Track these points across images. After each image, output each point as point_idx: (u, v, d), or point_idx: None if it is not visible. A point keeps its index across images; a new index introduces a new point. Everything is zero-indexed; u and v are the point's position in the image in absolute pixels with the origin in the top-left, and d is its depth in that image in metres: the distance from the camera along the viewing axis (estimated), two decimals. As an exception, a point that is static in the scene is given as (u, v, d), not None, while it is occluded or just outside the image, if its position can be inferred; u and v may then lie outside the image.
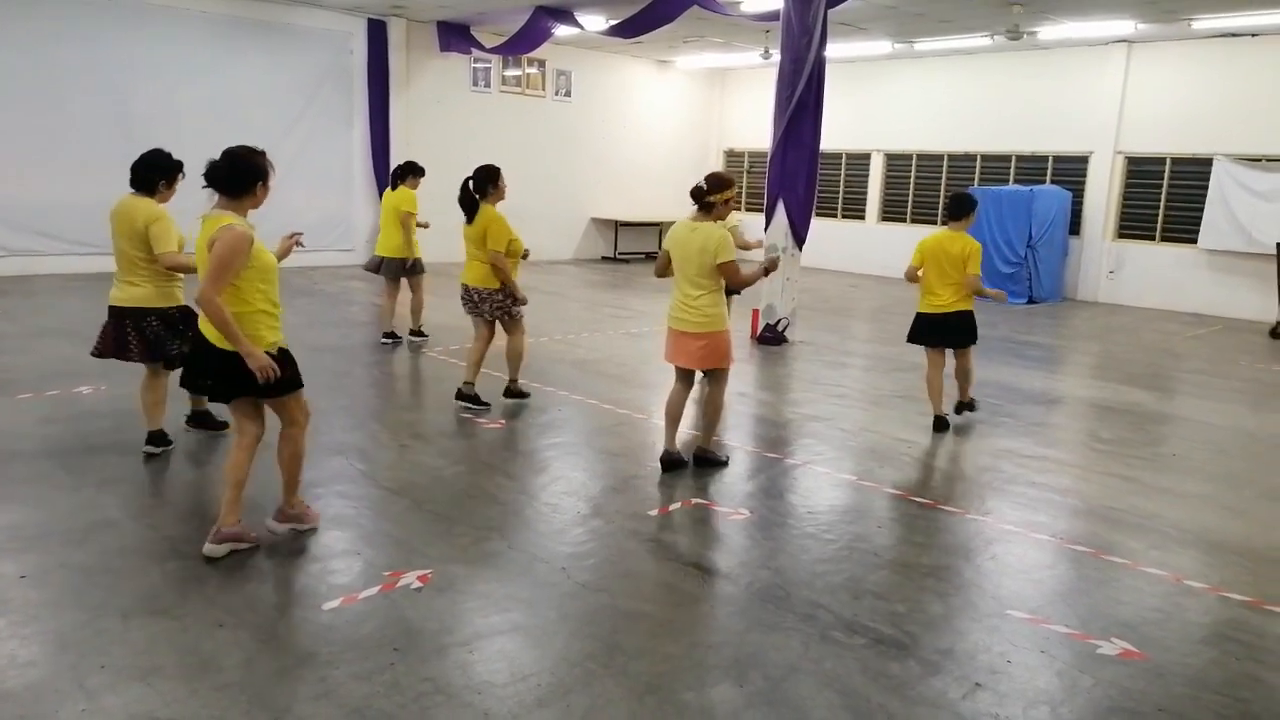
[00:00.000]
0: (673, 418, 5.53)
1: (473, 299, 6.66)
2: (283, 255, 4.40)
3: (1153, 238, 14.62)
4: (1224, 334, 12.25)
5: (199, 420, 5.81)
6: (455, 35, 15.41)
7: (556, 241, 18.06)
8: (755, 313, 10.14)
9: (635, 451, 5.95)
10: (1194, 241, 14.03)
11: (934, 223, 6.58)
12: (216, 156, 3.93)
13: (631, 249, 18.86)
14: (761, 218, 10.48)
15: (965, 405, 6.99)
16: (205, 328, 3.92)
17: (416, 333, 9.20)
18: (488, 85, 16.69)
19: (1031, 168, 15.74)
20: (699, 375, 5.65)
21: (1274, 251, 12.61)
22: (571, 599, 3.83)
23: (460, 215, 6.57)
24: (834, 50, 11.94)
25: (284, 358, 4.05)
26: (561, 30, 13.97)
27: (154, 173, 5.09)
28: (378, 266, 9.06)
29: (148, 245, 5.02)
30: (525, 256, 6.71)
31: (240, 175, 3.89)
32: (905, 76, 16.98)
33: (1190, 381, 9.14)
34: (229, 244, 3.74)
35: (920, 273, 6.62)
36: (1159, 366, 9.79)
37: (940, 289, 6.55)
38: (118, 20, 12.58)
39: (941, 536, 4.74)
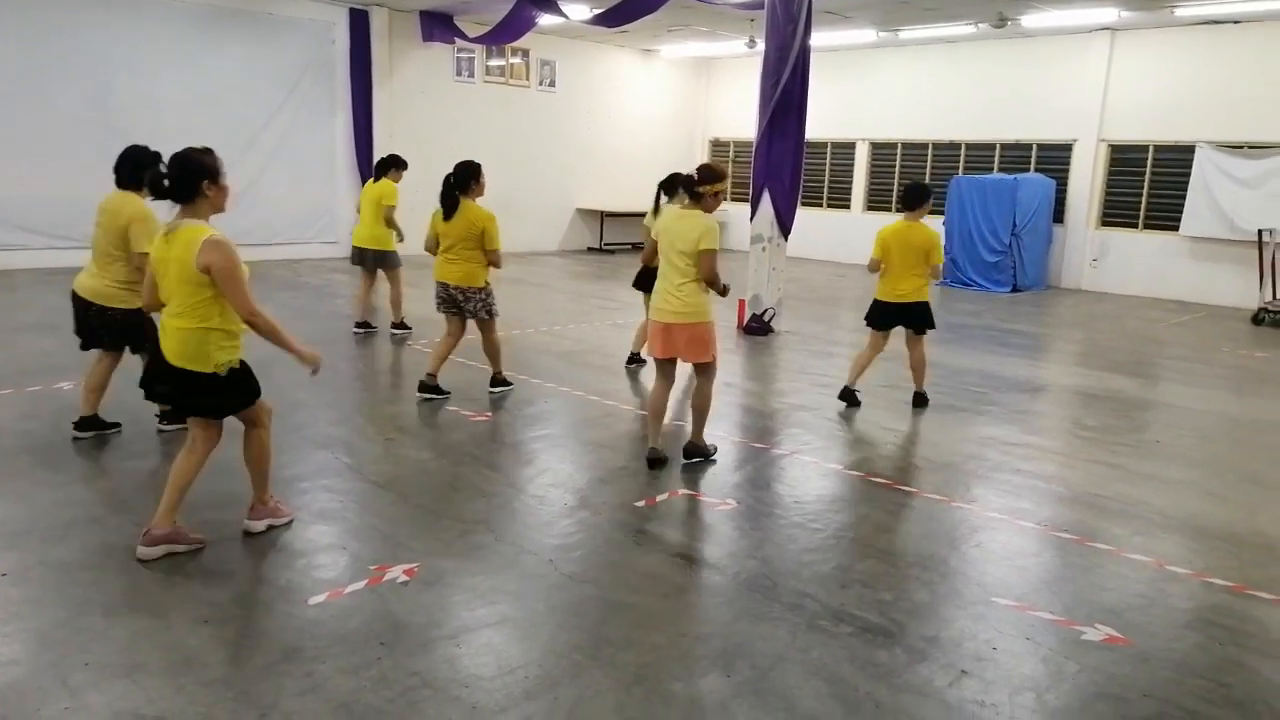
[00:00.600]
0: (656, 414, 5.50)
1: (454, 298, 6.56)
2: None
3: (1136, 225, 14.70)
4: (1206, 320, 12.34)
5: (172, 417, 5.77)
6: (438, 25, 15.30)
7: (541, 233, 18.01)
8: (741, 303, 10.13)
9: (622, 443, 5.95)
10: (1176, 229, 14.11)
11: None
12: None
13: (617, 240, 18.82)
14: (747, 208, 10.47)
15: (922, 397, 7.07)
16: (165, 344, 3.85)
17: (400, 325, 9.16)
18: (471, 75, 16.60)
19: (1016, 156, 15.78)
20: (687, 370, 5.63)
21: (1255, 238, 12.70)
22: (559, 591, 3.82)
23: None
24: (819, 39, 11.91)
25: (241, 373, 3.96)
26: (545, 19, 13.89)
27: (138, 169, 5.07)
28: (360, 259, 9.05)
29: (125, 242, 5.04)
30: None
31: (183, 177, 3.73)
32: (890, 65, 16.98)
33: (1173, 368, 9.20)
34: (225, 255, 3.67)
35: (883, 264, 6.71)
36: (1142, 353, 9.85)
37: (903, 279, 6.66)
38: (97, 11, 12.42)
39: (927, 524, 4.76)
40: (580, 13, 13.34)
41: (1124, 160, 14.71)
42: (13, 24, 11.81)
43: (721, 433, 6.16)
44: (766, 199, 9.99)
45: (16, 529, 4.20)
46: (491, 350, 6.86)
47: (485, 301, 6.61)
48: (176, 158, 3.76)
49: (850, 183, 18.04)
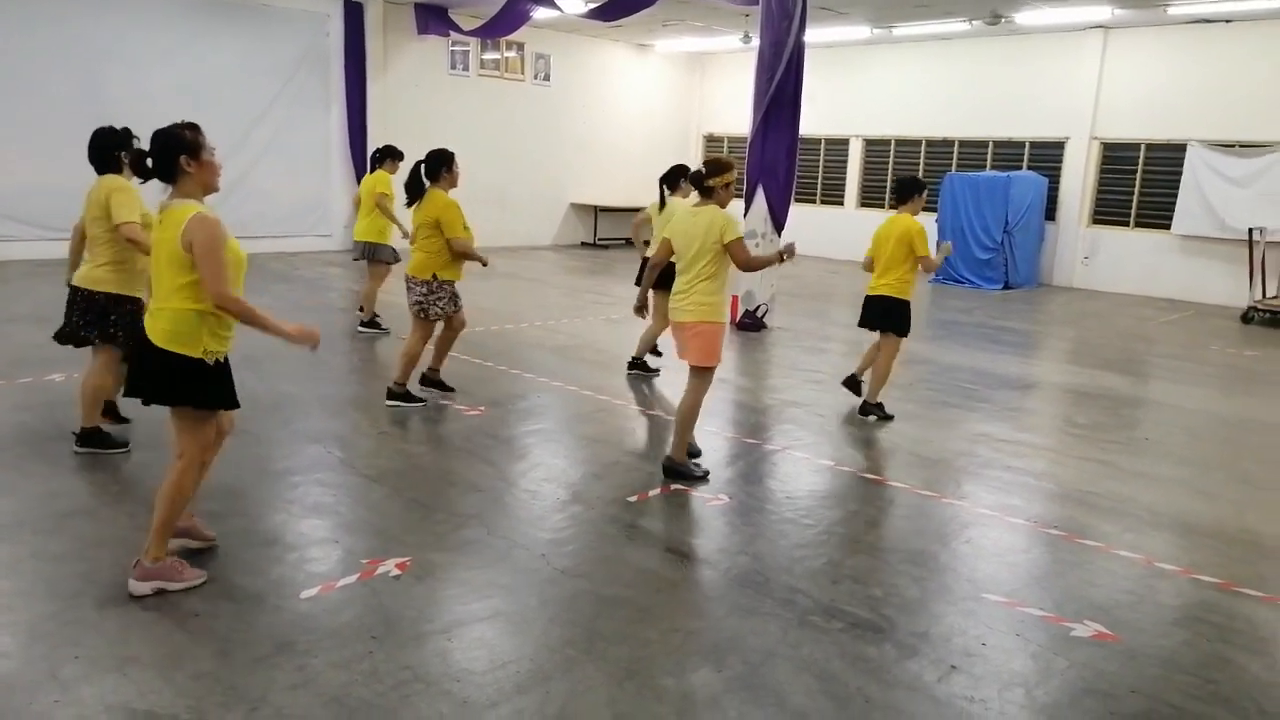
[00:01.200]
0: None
1: (412, 290, 6.28)
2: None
3: (1127, 223, 14.75)
4: (1196, 319, 12.39)
5: None
6: (433, 18, 15.26)
7: (535, 227, 17.99)
8: (735, 299, 10.14)
9: (615, 437, 5.95)
10: (1168, 227, 14.17)
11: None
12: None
13: (611, 234, 18.80)
14: (741, 204, 10.47)
15: (871, 408, 6.63)
16: (154, 327, 3.58)
17: (370, 324, 8.87)
18: (466, 69, 16.56)
19: (1008, 153, 15.82)
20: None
21: (1246, 237, 12.75)
22: (551, 585, 3.83)
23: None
24: (813, 35, 11.91)
25: (219, 371, 3.64)
26: (540, 13, 13.87)
27: (107, 151, 4.95)
28: (361, 253, 8.97)
29: (109, 219, 4.84)
30: (484, 264, 6.38)
31: (160, 153, 3.53)
32: (884, 62, 16.99)
33: (1163, 366, 9.24)
34: (207, 233, 3.44)
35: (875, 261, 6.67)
36: (1133, 351, 9.89)
37: (886, 271, 6.51)
38: (90, 1, 12.34)
39: (918, 521, 4.78)
40: (575, 6, 13.32)
41: (1116, 158, 14.76)
42: (5, 14, 11.74)
43: (714, 428, 6.17)
44: (760, 195, 10.00)
45: (7, 521, 4.19)
46: (406, 354, 6.37)
47: (426, 298, 6.20)
48: (156, 134, 3.58)
49: (844, 179, 18.06)
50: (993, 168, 15.71)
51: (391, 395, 6.38)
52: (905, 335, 6.62)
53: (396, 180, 8.90)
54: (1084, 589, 4.03)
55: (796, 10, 9.50)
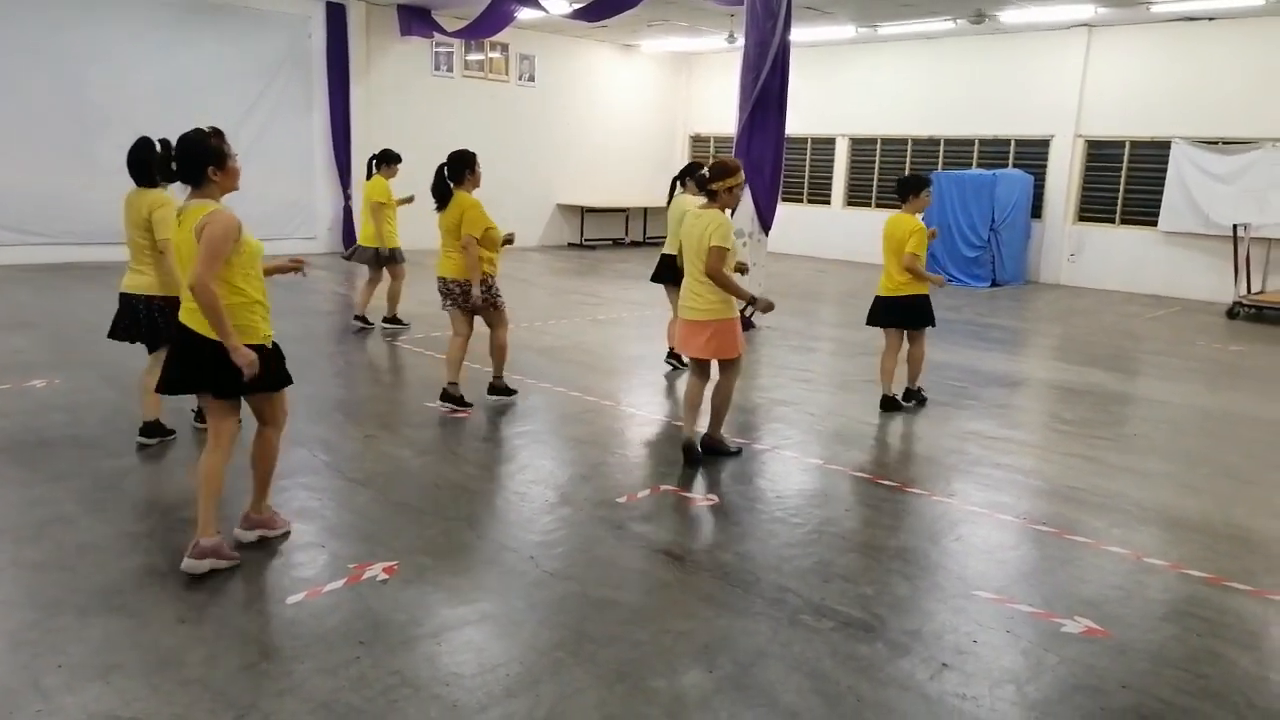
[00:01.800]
0: (691, 405, 5.53)
1: (452, 292, 6.34)
2: (277, 270, 4.27)
3: (1113, 220, 14.82)
4: (1182, 315, 12.46)
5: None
6: (416, 19, 15.19)
7: (522, 228, 17.71)
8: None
9: (603, 439, 5.93)
10: (1153, 224, 14.24)
11: (899, 208, 6.61)
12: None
13: (598, 235, 18.78)
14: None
15: (912, 394, 6.94)
16: (189, 319, 3.71)
17: (392, 320, 9.16)
18: (450, 70, 16.50)
19: (994, 152, 15.87)
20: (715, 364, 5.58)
21: (1230, 233, 12.82)
22: (540, 588, 3.80)
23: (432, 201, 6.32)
24: (798, 34, 11.92)
25: (276, 352, 3.91)
26: (525, 13, 13.82)
27: (145, 165, 5.07)
28: (363, 256, 9.07)
29: (151, 232, 5.10)
30: (510, 242, 6.42)
31: (188, 161, 3.70)
32: (869, 61, 17.02)
33: (1150, 362, 9.28)
34: (220, 226, 3.58)
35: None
36: (1120, 348, 9.93)
37: (892, 271, 6.62)
38: (71, 3, 12.24)
39: (908, 519, 4.77)
40: (560, 7, 13.29)
41: (1101, 156, 14.83)
42: (-18, 17, 11.64)
43: (702, 428, 6.13)
44: (747, 194, 9.97)
45: (-12, 529, 4.14)
46: (496, 350, 6.57)
47: (487, 291, 6.32)
48: (182, 140, 3.72)
49: (830, 178, 18.08)
50: (979, 166, 15.76)
51: (446, 396, 6.46)
52: (934, 325, 6.85)
53: (398, 183, 8.94)
54: (1073, 585, 4.03)
55: (781, 10, 9.50)
